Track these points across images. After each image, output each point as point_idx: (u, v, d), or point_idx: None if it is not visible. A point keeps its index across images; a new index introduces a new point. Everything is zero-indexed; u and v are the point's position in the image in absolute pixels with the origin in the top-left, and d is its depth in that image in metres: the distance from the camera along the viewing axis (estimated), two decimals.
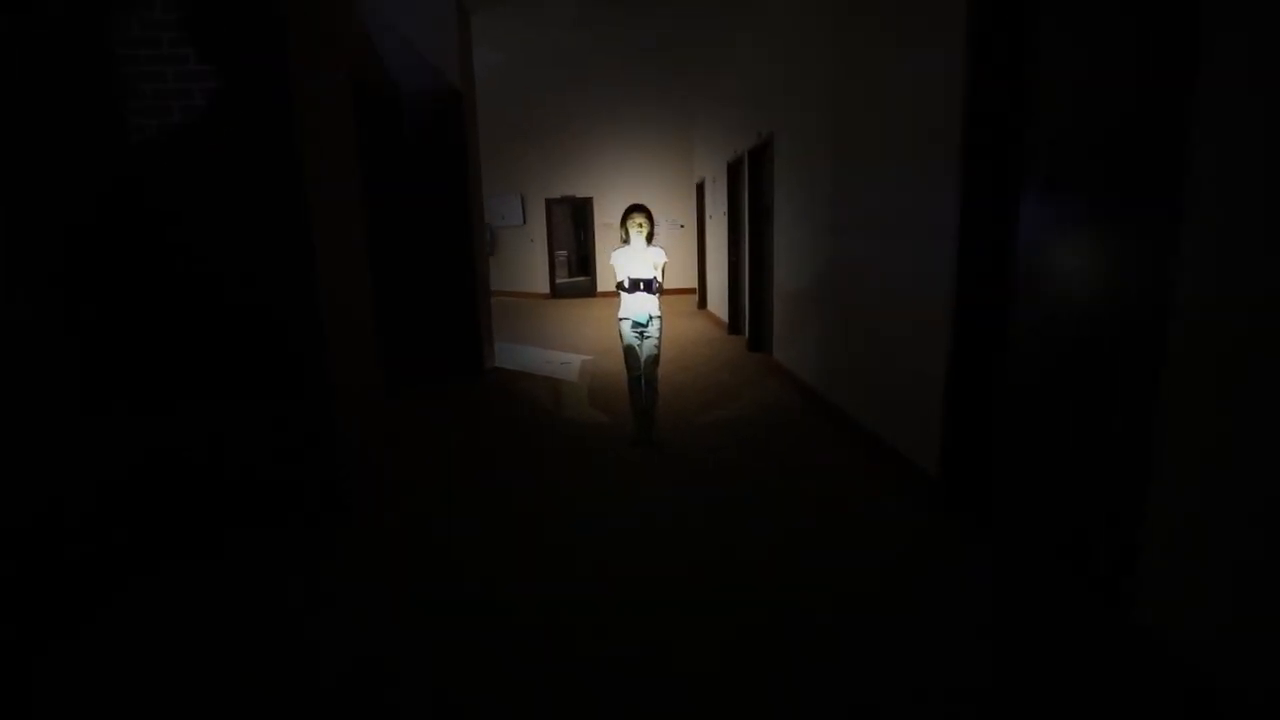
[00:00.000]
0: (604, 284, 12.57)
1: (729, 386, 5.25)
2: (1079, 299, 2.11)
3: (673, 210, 12.05)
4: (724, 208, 7.89)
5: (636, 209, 3.81)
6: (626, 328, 3.79)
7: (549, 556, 2.53)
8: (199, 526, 2.73)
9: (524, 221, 13.09)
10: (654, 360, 3.83)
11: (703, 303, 10.22)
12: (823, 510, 2.88)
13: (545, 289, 13.13)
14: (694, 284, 10.82)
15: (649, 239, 3.81)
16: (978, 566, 2.33)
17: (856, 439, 3.68)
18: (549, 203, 12.91)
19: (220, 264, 2.62)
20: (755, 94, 6.26)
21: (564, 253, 14.13)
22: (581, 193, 12.81)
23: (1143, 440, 1.78)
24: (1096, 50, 2.04)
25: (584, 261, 13.66)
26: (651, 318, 3.76)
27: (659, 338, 3.83)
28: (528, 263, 13.31)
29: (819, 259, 4.42)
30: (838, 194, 4.01)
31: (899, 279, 3.18)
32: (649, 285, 3.74)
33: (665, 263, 3.83)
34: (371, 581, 2.39)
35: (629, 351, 3.81)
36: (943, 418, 2.72)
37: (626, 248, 3.82)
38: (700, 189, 10.10)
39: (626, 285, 3.75)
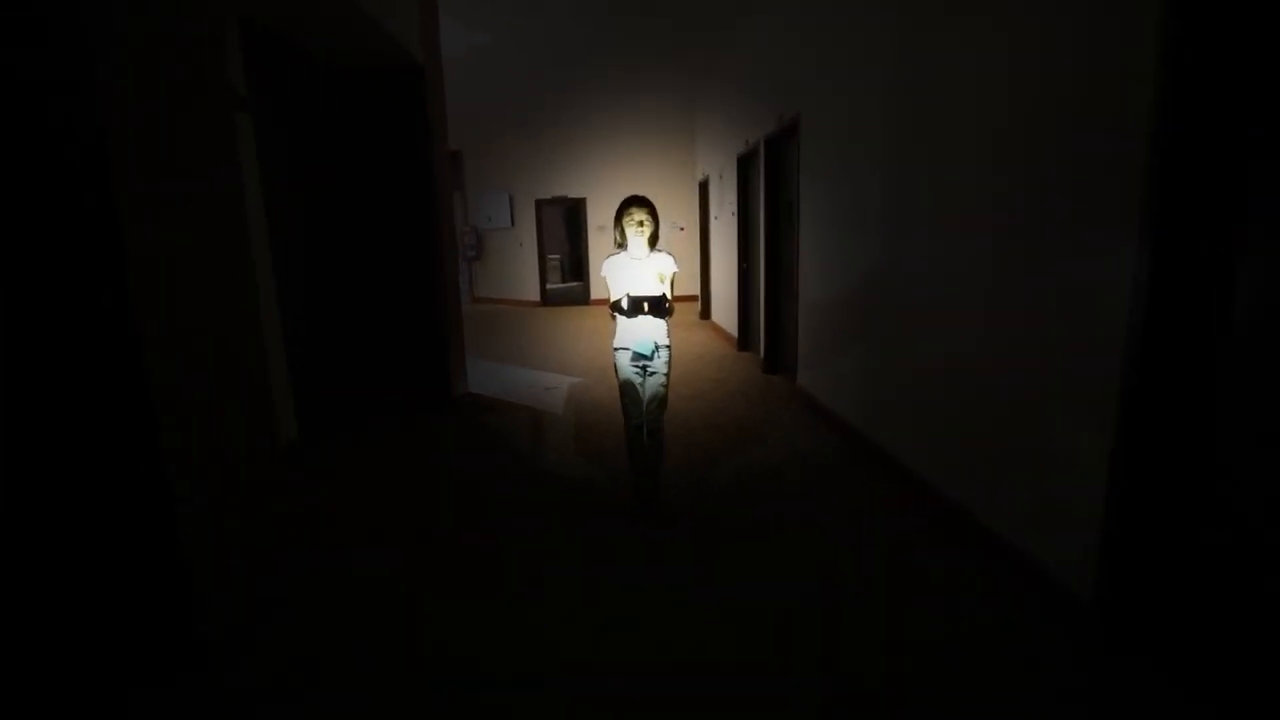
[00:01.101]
0: (598, 291, 11.61)
1: (748, 422, 4.31)
2: None
3: (673, 211, 11.08)
4: (732, 207, 6.95)
5: (637, 202, 2.80)
6: (624, 360, 2.82)
7: None
8: None
9: (512, 224, 12.13)
10: (660, 402, 2.85)
11: (706, 313, 9.28)
12: (927, 662, 1.95)
13: (535, 296, 12.16)
14: (696, 291, 9.88)
15: (652, 242, 2.85)
16: None
17: (929, 509, 2.75)
18: (539, 203, 11.96)
19: None
20: (776, 70, 5.32)
21: (556, 257, 13.17)
22: (574, 193, 11.86)
23: None
24: None
25: (577, 266, 12.69)
26: (658, 348, 2.80)
27: (666, 373, 2.85)
28: (517, 268, 12.34)
29: (866, 265, 3.49)
30: (897, 181, 3.08)
31: (1007, 296, 2.26)
32: (657, 305, 2.77)
33: (675, 273, 2.87)
34: None
35: (627, 390, 2.84)
36: (1105, 513, 1.79)
37: (623, 254, 2.85)
38: (703, 187, 9.16)
39: (625, 306, 2.76)
